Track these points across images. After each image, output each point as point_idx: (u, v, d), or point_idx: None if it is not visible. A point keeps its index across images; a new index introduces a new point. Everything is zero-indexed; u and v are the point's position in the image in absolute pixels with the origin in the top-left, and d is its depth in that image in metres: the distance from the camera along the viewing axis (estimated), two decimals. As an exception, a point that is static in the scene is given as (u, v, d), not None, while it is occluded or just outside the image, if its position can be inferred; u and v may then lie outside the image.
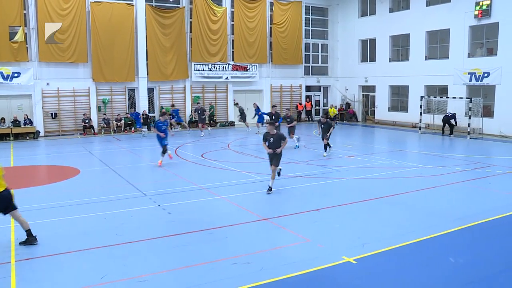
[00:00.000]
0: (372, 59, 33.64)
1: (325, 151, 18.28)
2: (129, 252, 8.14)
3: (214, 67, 31.42)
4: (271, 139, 12.21)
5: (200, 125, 27.09)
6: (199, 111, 27.22)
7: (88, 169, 16.19)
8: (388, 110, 32.65)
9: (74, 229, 9.48)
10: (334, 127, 18.48)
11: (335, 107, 35.33)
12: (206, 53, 31.00)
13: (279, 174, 13.00)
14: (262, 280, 6.80)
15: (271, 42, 33.65)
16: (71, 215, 10.51)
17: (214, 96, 32.12)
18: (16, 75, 26.09)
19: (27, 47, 26.39)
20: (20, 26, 25.81)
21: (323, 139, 18.16)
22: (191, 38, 30.78)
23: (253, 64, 32.77)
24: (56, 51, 26.72)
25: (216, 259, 7.69)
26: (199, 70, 30.93)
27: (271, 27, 33.49)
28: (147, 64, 29.36)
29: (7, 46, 25.54)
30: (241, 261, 7.55)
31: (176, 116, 27.85)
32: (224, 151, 20.06)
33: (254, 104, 28.15)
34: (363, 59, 34.64)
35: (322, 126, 18.20)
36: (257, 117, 27.19)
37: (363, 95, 35.13)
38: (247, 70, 32.66)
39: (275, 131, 12.33)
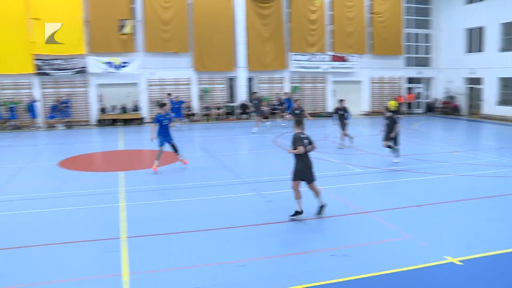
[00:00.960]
0: (479, 49, 31.58)
1: (394, 155, 15.05)
2: (229, 237, 8.38)
3: (313, 57, 31.23)
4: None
5: (257, 118, 24.22)
6: (255, 102, 24.95)
7: (190, 155, 16.83)
8: (497, 104, 30.53)
9: (178, 212, 9.95)
10: (398, 123, 15.02)
11: (396, 99, 30.10)
12: (305, 43, 30.93)
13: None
14: (360, 274, 6.70)
15: (370, 32, 32.78)
16: (175, 198, 11.02)
17: (313, 87, 31.98)
18: (124, 64, 27.76)
19: (134, 38, 27.94)
20: (128, 20, 27.43)
21: (385, 140, 15.09)
22: (289, 28, 30.80)
23: (352, 55, 32.14)
24: (160, 42, 28.07)
25: (313, 249, 7.71)
26: (297, 60, 30.92)
27: (370, 17, 32.62)
28: (246, 54, 29.90)
29: (117, 38, 27.27)
30: (340, 253, 7.50)
31: (177, 109, 24.48)
32: (323, 142, 19.89)
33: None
34: (469, 50, 32.63)
35: (386, 122, 15.28)
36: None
37: (468, 87, 33.15)
38: (346, 61, 32.09)
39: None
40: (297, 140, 9.13)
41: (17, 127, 26.18)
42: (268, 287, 6.36)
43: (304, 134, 9.36)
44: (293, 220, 9.14)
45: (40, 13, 26.02)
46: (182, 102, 25.69)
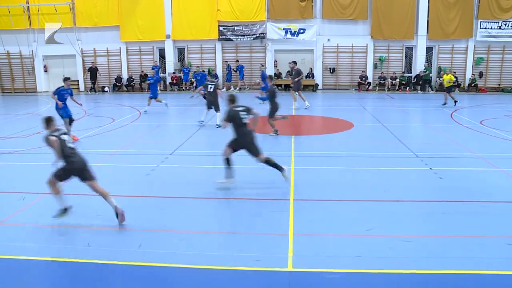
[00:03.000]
0: None
1: None
2: (396, 210, 8.16)
3: (505, 24, 27.97)
4: None
5: (297, 93, 21.17)
6: (291, 72, 21.96)
7: (361, 124, 16.65)
8: None
9: (344, 179, 9.97)
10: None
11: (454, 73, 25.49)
12: (497, 8, 27.76)
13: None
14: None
15: None
16: (343, 166, 11.04)
17: (501, 58, 28.80)
18: (301, 31, 28.21)
19: (312, 5, 28.12)
20: (309, -15, 27.65)
21: None
22: (479, -8, 27.96)
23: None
24: (338, 9, 27.80)
25: (487, 234, 7.11)
26: (485, 28, 28.05)
27: None
28: (427, 21, 28.10)
29: (295, 4, 27.71)
30: (520, 242, 6.82)
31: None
32: (507, 120, 18.05)
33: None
34: None
35: None
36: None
37: None
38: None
39: None
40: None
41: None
42: (435, 267, 6.10)
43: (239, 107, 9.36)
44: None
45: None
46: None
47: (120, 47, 29.98)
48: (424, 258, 6.31)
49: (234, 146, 9.39)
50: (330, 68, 28.74)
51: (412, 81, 28.56)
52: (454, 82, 22.00)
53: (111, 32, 29.58)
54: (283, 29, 28.31)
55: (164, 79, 29.48)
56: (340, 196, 8.79)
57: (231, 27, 28.52)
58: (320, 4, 28.06)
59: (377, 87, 28.47)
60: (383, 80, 28.39)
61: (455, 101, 20.86)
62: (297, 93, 20.86)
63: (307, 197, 8.70)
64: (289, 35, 28.30)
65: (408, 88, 28.29)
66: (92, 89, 29.80)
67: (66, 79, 14.79)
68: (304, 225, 7.38)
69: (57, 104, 14.14)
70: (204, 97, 17.21)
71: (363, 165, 11.04)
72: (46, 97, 26.24)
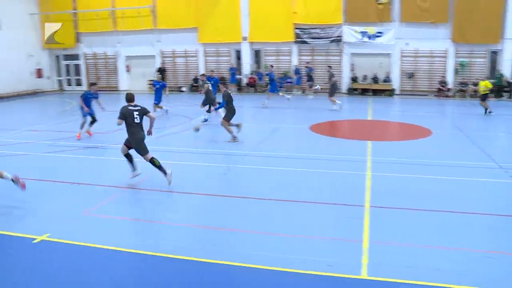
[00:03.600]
0: None
1: None
2: (477, 223, 7.81)
3: None
4: None
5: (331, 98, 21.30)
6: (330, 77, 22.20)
7: (441, 131, 16.07)
8: None
9: (421, 188, 9.61)
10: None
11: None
12: None
13: None
14: None
15: None
16: (420, 174, 10.67)
17: None
18: (378, 34, 27.63)
19: (390, 8, 27.44)
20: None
21: None
22: None
23: None
24: (417, 11, 26.93)
25: None
26: None
27: None
28: (516, 25, 26.51)
29: (373, 7, 27.14)
30: None
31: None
32: None
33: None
34: None
35: None
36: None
37: None
38: None
39: None
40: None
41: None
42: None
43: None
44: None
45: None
46: None
47: (197, 49, 30.79)
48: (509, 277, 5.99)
49: (128, 143, 9.83)
50: (408, 73, 27.95)
51: (497, 88, 27.09)
52: (490, 89, 20.47)
53: (190, 34, 30.43)
54: (360, 32, 27.87)
55: (241, 81, 29.94)
56: (418, 205, 8.52)
57: (307, 30, 28.46)
58: (399, 6, 27.33)
59: (458, 94, 27.31)
60: (464, 86, 27.18)
61: (488, 111, 19.62)
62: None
63: (383, 205, 8.51)
64: (366, 39, 27.82)
65: (492, 95, 26.83)
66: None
67: (92, 84, 16.07)
68: (380, 233, 7.23)
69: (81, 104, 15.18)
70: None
71: (442, 174, 10.64)
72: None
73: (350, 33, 27.98)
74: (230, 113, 14.38)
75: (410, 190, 9.47)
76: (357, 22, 27.80)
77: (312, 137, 15.32)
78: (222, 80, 16.00)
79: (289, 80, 28.97)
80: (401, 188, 9.59)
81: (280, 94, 23.40)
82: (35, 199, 9.35)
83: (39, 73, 33.72)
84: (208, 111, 18.27)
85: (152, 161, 9.69)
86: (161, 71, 30.23)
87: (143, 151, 9.78)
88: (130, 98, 9.94)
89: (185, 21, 30.25)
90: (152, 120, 10.04)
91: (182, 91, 30.74)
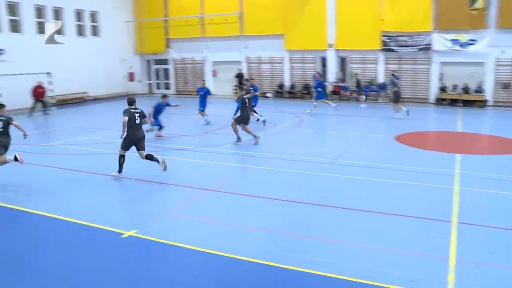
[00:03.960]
0: None
1: None
2: None
3: None
4: None
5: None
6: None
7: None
8: None
9: (510, 206, 9.16)
10: None
11: None
12: None
13: None
14: None
15: None
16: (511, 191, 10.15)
17: None
18: (471, 42, 26.35)
19: (485, 13, 26.10)
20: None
21: None
22: None
23: None
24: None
25: None
26: None
27: None
28: None
29: (466, 13, 25.93)
30: None
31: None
32: None
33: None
34: None
35: None
36: None
37: None
38: None
39: None
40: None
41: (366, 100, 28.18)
42: None
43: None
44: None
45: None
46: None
47: (283, 55, 31.04)
48: None
49: (127, 144, 11.15)
50: (503, 83, 26.44)
51: None
52: None
53: (276, 40, 30.73)
54: (451, 40, 26.74)
55: (326, 87, 29.72)
56: (508, 224, 8.08)
57: (394, 38, 27.76)
58: (495, 12, 25.94)
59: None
60: None
61: None
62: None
63: (472, 221, 8.17)
64: (457, 47, 26.63)
65: None
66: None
67: (164, 96, 16.74)
68: (467, 251, 6.96)
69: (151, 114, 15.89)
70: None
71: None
72: (213, 100, 28.19)
73: (440, 41, 26.93)
74: (242, 116, 15.04)
75: (502, 208, 9.00)
76: (448, 29, 26.68)
77: (397, 147, 14.97)
78: (240, 84, 17.12)
79: (374, 88, 28.41)
80: (492, 205, 9.15)
81: (325, 102, 23.28)
82: (125, 196, 9.94)
83: (131, 77, 35.62)
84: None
85: (148, 157, 11.19)
86: (240, 76, 30.84)
87: (142, 147, 11.25)
88: (131, 101, 11.32)
89: (271, 28, 30.61)
90: (146, 121, 11.83)
91: (267, 97, 31.09)
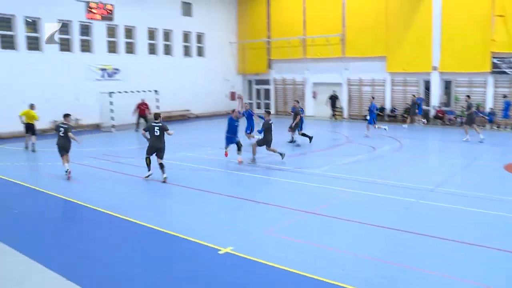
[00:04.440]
0: None
1: None
2: None
3: None
4: None
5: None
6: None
7: None
8: None
9: None
10: None
11: None
12: None
13: None
14: None
15: None
16: None
17: None
18: None
19: None
20: None
21: None
22: None
23: None
24: None
25: None
26: None
27: None
28: None
29: None
30: None
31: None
32: None
33: None
34: None
35: None
36: None
37: None
38: None
39: None
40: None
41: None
42: None
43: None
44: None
45: (506, 9, 25.56)
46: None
47: (385, 77, 30.46)
48: None
49: (150, 151, 13.38)
50: None
51: None
52: None
53: (377, 62, 30.27)
54: None
55: (428, 112, 28.68)
56: None
57: (507, 59, 26.20)
58: None
59: None
60: None
61: None
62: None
63: None
64: None
65: None
66: (333, 116, 31.26)
67: (233, 111, 16.48)
68: None
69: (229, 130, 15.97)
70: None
71: None
72: (312, 121, 28.35)
73: (559, 64, 25.06)
74: (265, 139, 15.76)
75: None
76: None
77: (506, 177, 14.09)
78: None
79: (481, 113, 26.77)
80: None
81: (377, 126, 23.17)
82: (224, 213, 10.32)
83: (232, 96, 36.85)
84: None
85: (161, 165, 13.14)
86: (333, 98, 30.66)
87: (160, 156, 13.22)
88: (156, 116, 13.66)
89: (373, 50, 30.25)
90: (169, 135, 13.32)
91: (367, 120, 30.58)
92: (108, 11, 27.58)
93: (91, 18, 26.91)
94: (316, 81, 33.45)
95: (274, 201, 11.01)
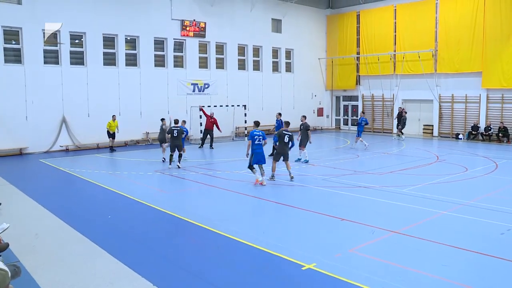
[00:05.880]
0: None
1: None
2: None
3: None
4: None
5: None
6: None
7: None
8: None
9: None
10: None
11: None
12: None
13: None
14: None
15: None
16: None
17: None
18: None
19: None
20: None
21: None
22: None
23: None
24: None
25: None
26: None
27: None
28: None
29: None
30: None
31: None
32: None
33: None
34: None
35: None
36: None
37: None
38: None
39: None
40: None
41: None
42: None
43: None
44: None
45: None
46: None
47: (480, 94, 28.98)
48: None
49: (172, 150, 18.01)
50: None
51: None
52: None
53: (472, 78, 28.93)
54: None
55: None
56: None
57: None
58: None
59: None
60: None
61: None
62: None
63: None
64: None
65: None
66: (399, 134, 29.55)
67: (256, 122, 15.49)
68: None
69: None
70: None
71: None
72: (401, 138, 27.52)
73: None
74: (278, 151, 15.67)
75: None
76: None
77: None
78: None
79: None
80: None
81: (360, 140, 24.19)
82: (307, 228, 10.28)
83: (320, 112, 36.76)
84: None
85: (180, 155, 17.95)
86: (400, 114, 29.40)
87: (179, 150, 17.87)
88: (176, 121, 18.40)
89: (468, 65, 28.93)
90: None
91: (459, 139, 29.25)
92: (200, 28, 28.70)
93: (185, 35, 28.14)
94: (405, 97, 32.61)
95: (359, 219, 10.80)
